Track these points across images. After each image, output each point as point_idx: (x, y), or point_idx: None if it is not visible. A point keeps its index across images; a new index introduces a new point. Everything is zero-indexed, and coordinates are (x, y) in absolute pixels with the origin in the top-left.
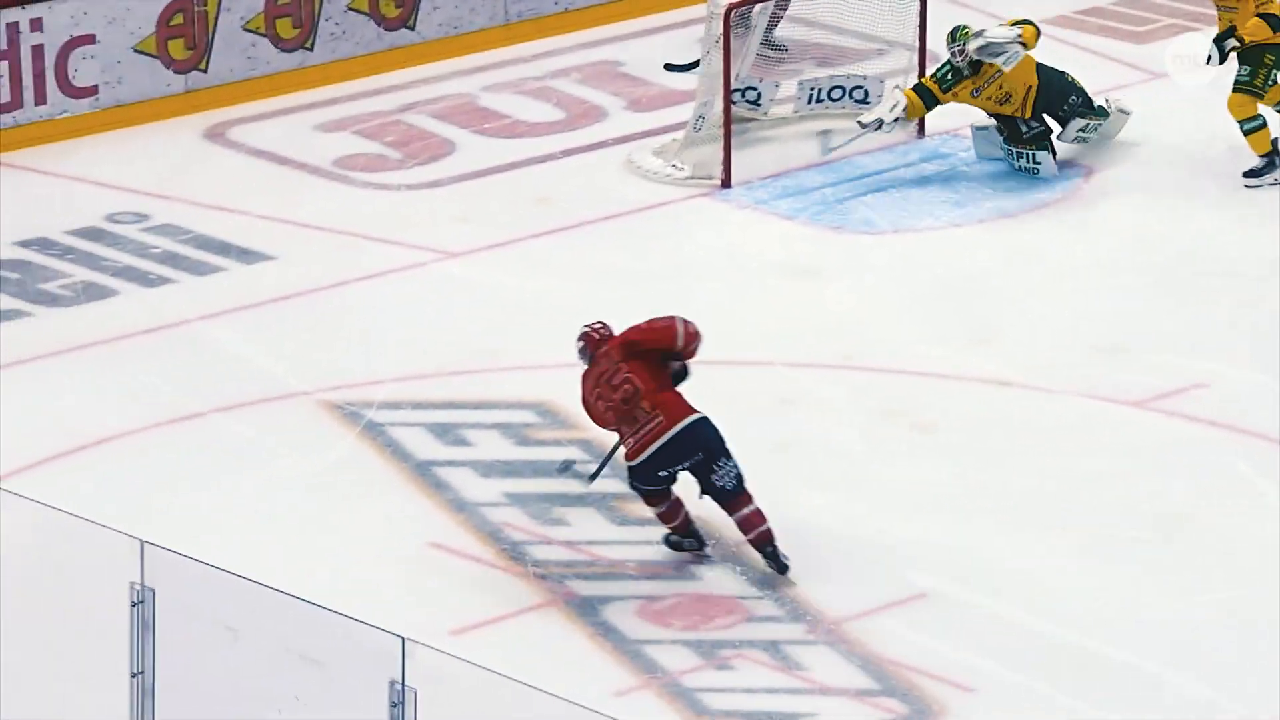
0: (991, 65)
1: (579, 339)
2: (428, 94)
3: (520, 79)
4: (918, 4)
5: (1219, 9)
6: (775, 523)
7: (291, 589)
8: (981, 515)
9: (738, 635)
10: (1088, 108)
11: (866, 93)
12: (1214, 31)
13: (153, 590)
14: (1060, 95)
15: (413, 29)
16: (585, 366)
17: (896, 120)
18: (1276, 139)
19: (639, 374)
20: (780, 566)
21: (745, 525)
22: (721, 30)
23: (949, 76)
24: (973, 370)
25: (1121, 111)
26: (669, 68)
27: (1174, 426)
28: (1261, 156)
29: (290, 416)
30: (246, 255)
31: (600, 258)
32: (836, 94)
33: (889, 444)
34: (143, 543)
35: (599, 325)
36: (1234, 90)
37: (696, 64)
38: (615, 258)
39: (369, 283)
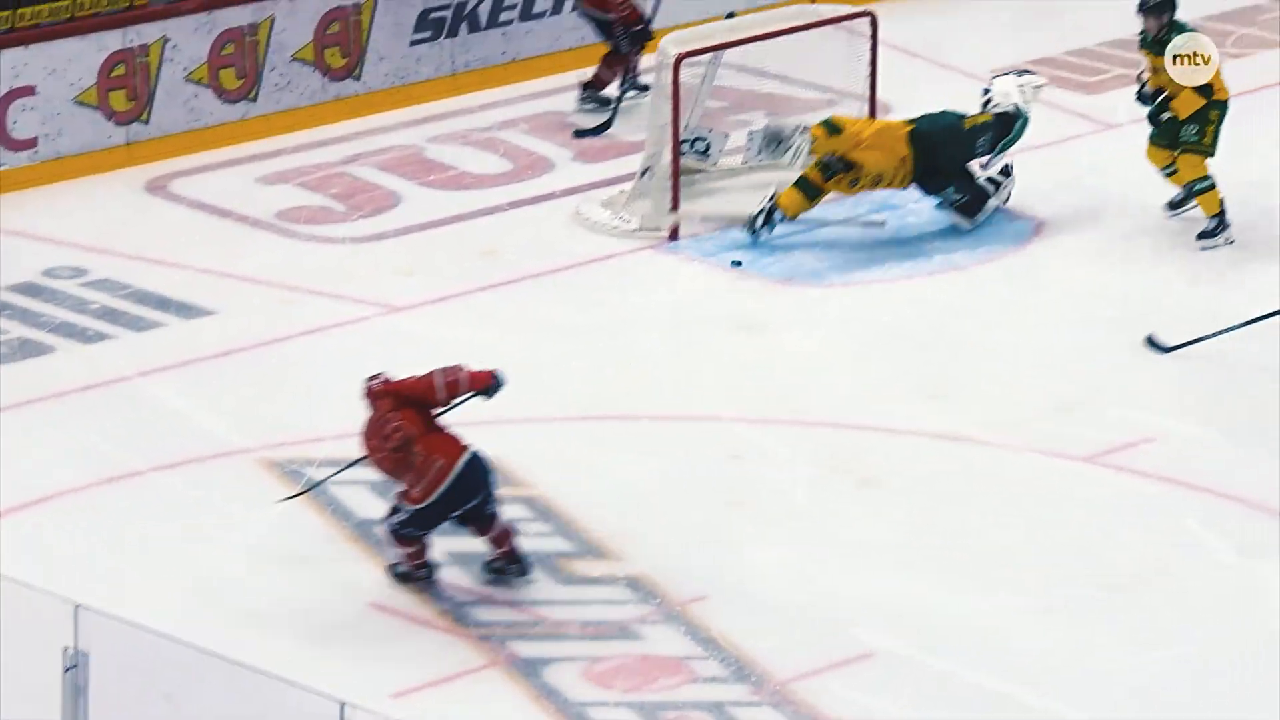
0: (859, 158)
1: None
2: (373, 145)
3: (466, 130)
4: (868, 53)
5: (1152, 67)
6: (722, 579)
7: (230, 652)
8: (930, 572)
9: (681, 697)
10: (1005, 132)
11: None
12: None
13: (87, 655)
14: (963, 146)
15: (358, 79)
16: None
17: (764, 214)
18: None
19: (410, 421)
20: (525, 569)
21: (499, 541)
22: (671, 80)
23: (833, 166)
24: (923, 424)
25: (1036, 88)
26: (578, 134)
27: (1123, 481)
28: (1211, 217)
29: (231, 474)
30: (187, 310)
31: (547, 311)
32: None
33: (837, 499)
34: (77, 606)
35: (375, 379)
36: (1183, 151)
37: (607, 125)
38: (562, 311)
39: (312, 337)
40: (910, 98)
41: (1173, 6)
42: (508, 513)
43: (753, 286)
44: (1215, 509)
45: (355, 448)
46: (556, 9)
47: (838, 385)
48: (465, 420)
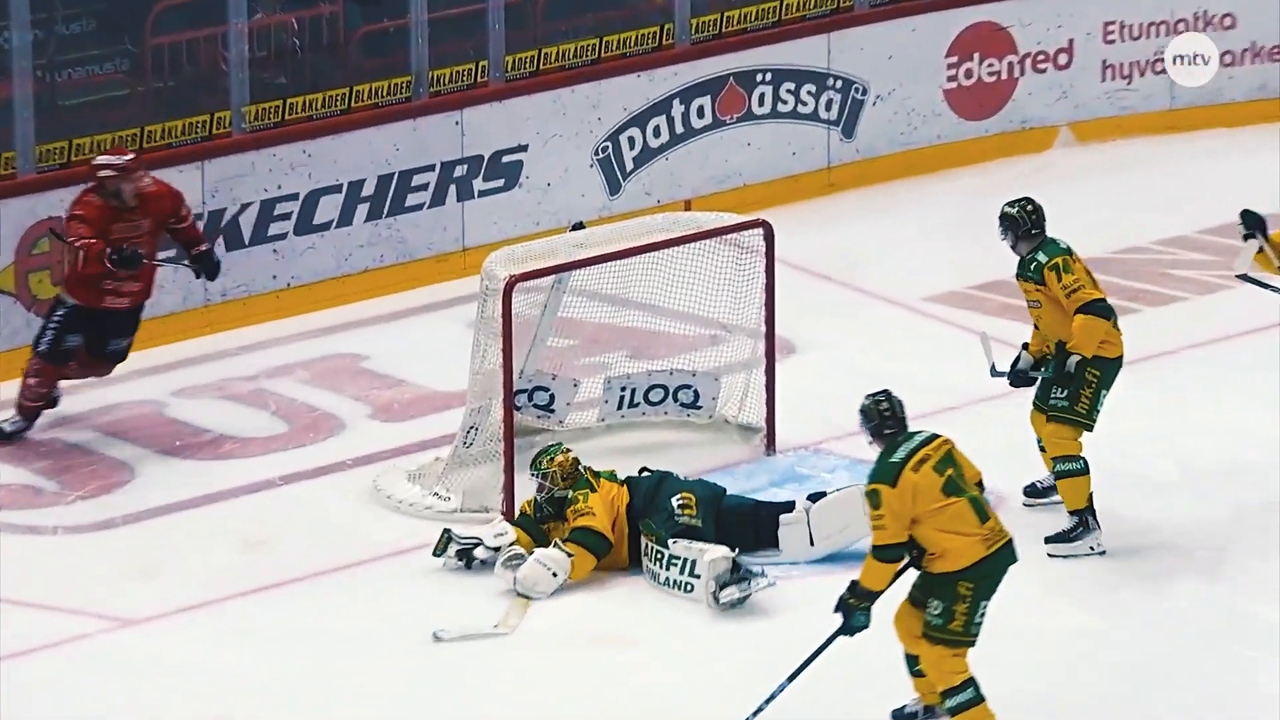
0: (571, 506)
1: None
2: (97, 401)
3: (224, 379)
4: (763, 276)
5: (1028, 303)
6: None
7: None
8: None
9: None
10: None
11: (696, 394)
12: None
13: None
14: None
15: None
16: None
17: (499, 551)
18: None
19: None
20: None
21: None
22: (500, 311)
23: (544, 507)
24: None
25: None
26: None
27: None
28: (1072, 514)
29: None
30: None
31: (335, 622)
32: (656, 395)
33: None
34: None
35: None
36: (1050, 419)
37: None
38: (356, 623)
39: (14, 663)
40: (818, 333)
41: (1018, 223)
42: None
43: (612, 592)
44: None
45: None
46: (346, 218)
47: (716, 715)
48: None
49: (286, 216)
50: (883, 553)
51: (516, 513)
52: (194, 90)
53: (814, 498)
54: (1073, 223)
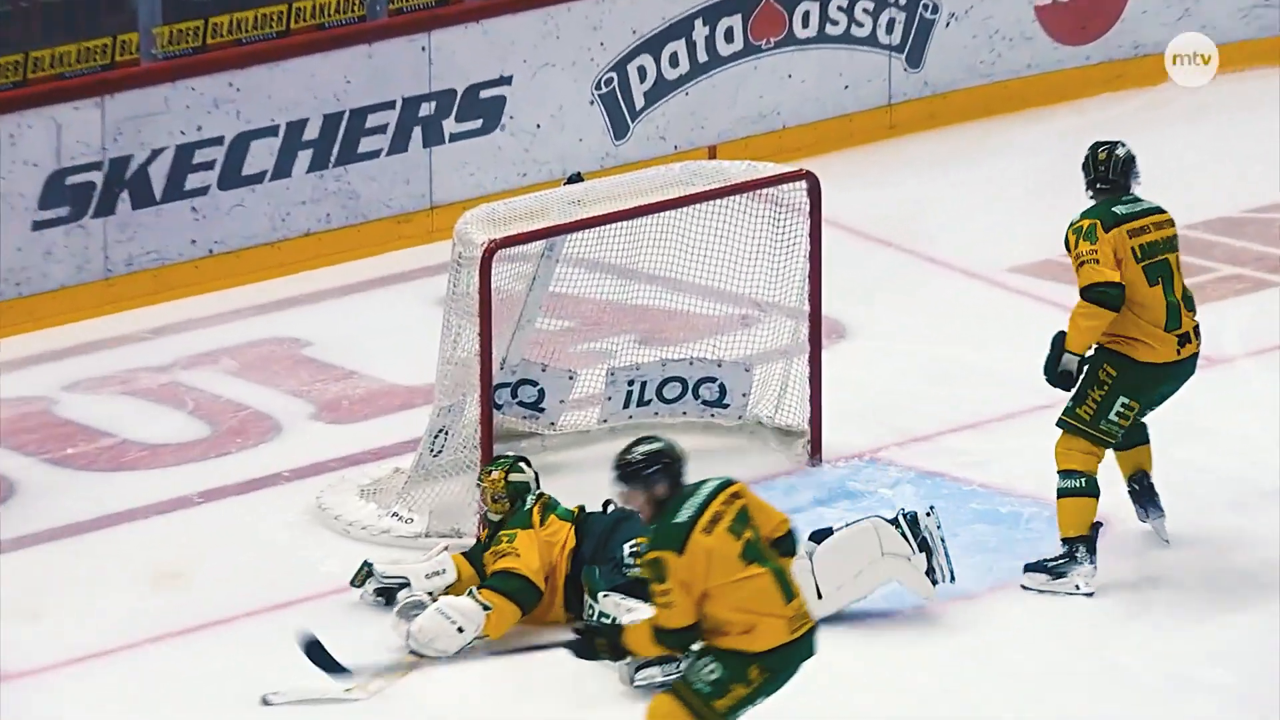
0: (494, 546)
1: None
2: None
3: (129, 370)
4: (807, 241)
5: None
6: None
7: None
8: None
9: None
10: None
11: (723, 390)
12: None
13: None
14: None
15: None
16: None
17: (432, 595)
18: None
19: None
20: None
21: None
22: (478, 284)
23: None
24: None
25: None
26: None
27: None
28: (1062, 542)
29: None
30: None
31: (266, 674)
32: (672, 391)
33: None
34: None
35: None
36: (1057, 422)
37: None
38: (293, 675)
39: None
40: (875, 313)
41: (1088, 169)
42: None
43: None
44: None
45: None
46: (283, 169)
47: None
48: None
49: (208, 166)
50: (667, 637)
51: None
52: (93, 7)
53: (817, 537)
54: (1193, 173)
